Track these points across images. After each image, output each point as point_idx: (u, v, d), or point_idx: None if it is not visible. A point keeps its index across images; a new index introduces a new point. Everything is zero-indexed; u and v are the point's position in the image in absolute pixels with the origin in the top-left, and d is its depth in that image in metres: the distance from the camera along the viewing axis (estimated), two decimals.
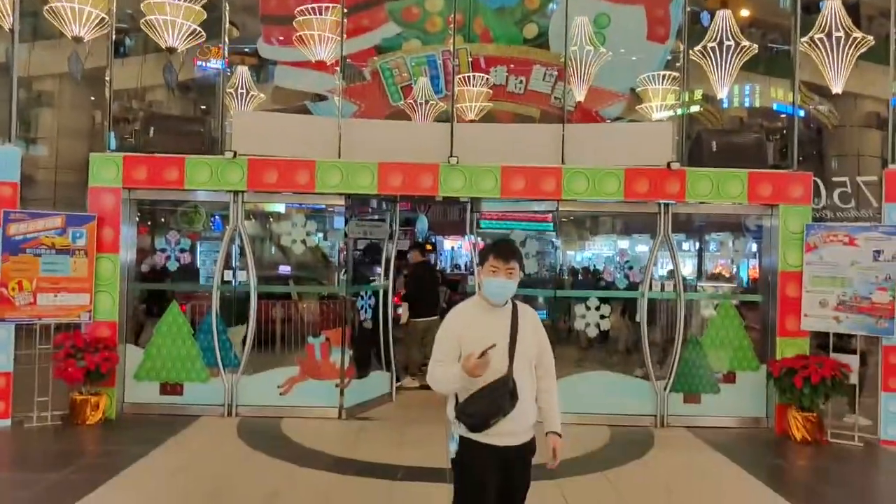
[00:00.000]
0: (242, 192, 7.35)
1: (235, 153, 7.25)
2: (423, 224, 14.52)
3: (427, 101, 9.58)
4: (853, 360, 6.98)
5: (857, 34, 14.67)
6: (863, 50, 14.62)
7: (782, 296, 7.28)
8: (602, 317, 7.51)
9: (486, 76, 9.83)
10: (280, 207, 8.50)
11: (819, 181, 7.47)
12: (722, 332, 7.51)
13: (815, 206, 7.44)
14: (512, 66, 9.99)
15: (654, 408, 7.38)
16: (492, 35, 10.03)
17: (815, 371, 6.67)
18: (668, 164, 7.29)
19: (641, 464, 6.07)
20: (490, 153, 7.50)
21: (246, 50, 11.94)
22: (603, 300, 7.56)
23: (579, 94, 8.99)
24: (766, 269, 7.58)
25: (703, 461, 6.28)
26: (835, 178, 7.50)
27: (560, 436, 3.29)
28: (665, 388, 7.35)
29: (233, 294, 7.45)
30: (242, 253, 7.36)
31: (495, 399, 3.06)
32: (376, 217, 8.26)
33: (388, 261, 8.26)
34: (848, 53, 15.11)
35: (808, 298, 7.15)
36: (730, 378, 7.47)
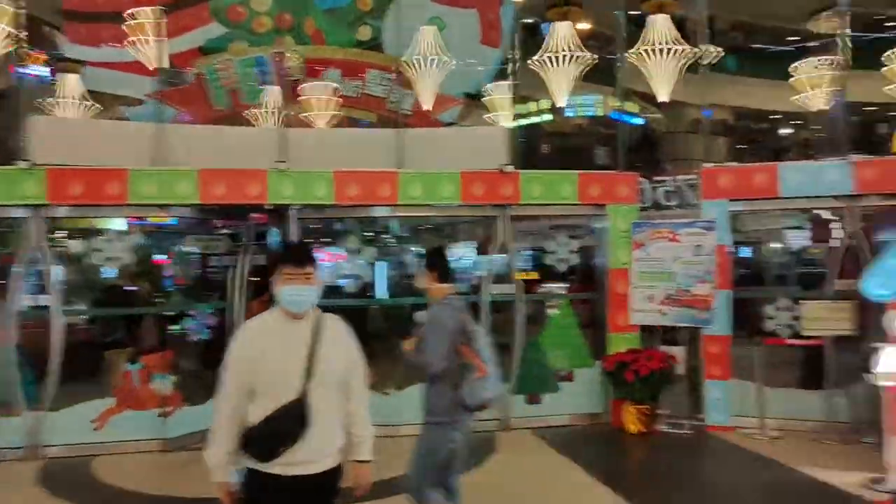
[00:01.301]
0: (43, 205, 6.57)
1: (33, 163, 6.48)
2: (274, 238, 13.87)
3: (275, 109, 9.16)
4: (680, 352, 7.31)
5: (682, 46, 15.61)
6: (689, 62, 15.56)
7: (613, 292, 7.50)
8: None
9: (336, 85, 9.56)
10: (119, 223, 7.77)
11: (645, 181, 7.79)
12: (559, 331, 7.64)
13: (643, 204, 7.76)
14: (346, 69, 9.76)
15: (499, 411, 7.35)
16: (324, 37, 9.75)
17: (645, 364, 6.91)
18: (501, 168, 7.32)
19: (482, 471, 5.98)
20: (324, 159, 7.21)
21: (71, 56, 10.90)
22: None
23: (427, 103, 8.98)
24: (599, 267, 7.80)
25: (541, 463, 6.29)
26: (658, 178, 7.83)
27: (368, 462, 3.03)
28: (507, 391, 7.35)
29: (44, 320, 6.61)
30: (47, 275, 6.58)
31: (283, 424, 2.76)
32: (224, 231, 7.71)
33: (241, 277, 7.67)
34: (673, 65, 16.07)
35: (636, 294, 7.42)
36: (568, 376, 7.59)
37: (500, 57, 9.83)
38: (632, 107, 24.59)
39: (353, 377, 3.02)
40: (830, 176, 6.85)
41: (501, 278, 7.59)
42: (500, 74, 9.53)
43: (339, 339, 3.02)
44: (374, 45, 9.73)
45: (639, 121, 24.31)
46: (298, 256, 2.94)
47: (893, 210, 6.83)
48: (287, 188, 6.95)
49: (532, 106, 20.66)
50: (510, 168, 7.34)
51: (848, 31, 7.61)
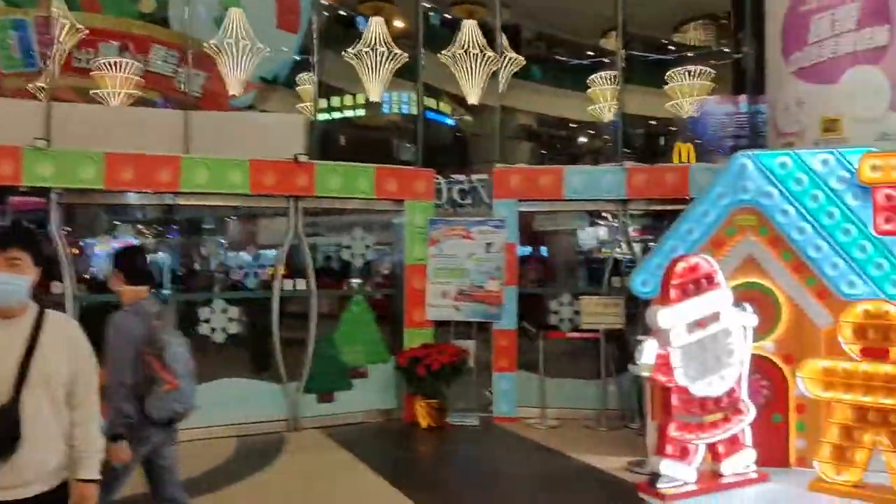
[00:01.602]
0: None
1: None
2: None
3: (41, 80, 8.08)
4: (472, 346, 7.48)
5: (489, 52, 16.08)
6: (515, 69, 16.03)
7: (409, 288, 7.51)
8: (230, 320, 6.97)
9: (136, 61, 8.68)
10: None
11: (441, 179, 7.88)
12: (355, 327, 7.51)
13: (439, 202, 7.85)
14: (127, 42, 8.92)
15: (287, 411, 7.07)
16: (101, 4, 8.84)
17: (436, 359, 6.98)
18: (296, 157, 7.03)
19: (264, 475, 5.69)
20: (98, 138, 6.49)
21: None
22: (232, 302, 7.03)
23: (235, 89, 8.46)
24: (397, 263, 7.77)
25: (327, 462, 6.12)
26: (454, 176, 7.95)
27: (93, 482, 2.66)
28: (298, 390, 7.10)
29: None
30: None
31: None
32: None
33: None
34: (482, 69, 16.55)
35: (431, 289, 7.48)
36: (363, 372, 7.49)
37: (298, 43, 9.51)
38: (445, 107, 25.23)
39: (79, 385, 2.63)
40: (608, 180, 7.34)
41: (296, 273, 7.32)
42: (304, 63, 9.25)
43: (65, 340, 2.61)
44: (159, 19, 8.98)
45: (450, 121, 25.02)
46: (1, 239, 2.51)
47: (661, 213, 7.48)
48: (46, 169, 6.16)
49: (347, 99, 20.46)
50: (305, 158, 7.08)
51: (622, 51, 8.23)
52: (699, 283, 5.27)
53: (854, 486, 5.03)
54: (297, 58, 9.46)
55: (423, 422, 7.08)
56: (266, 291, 7.10)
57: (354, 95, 19.56)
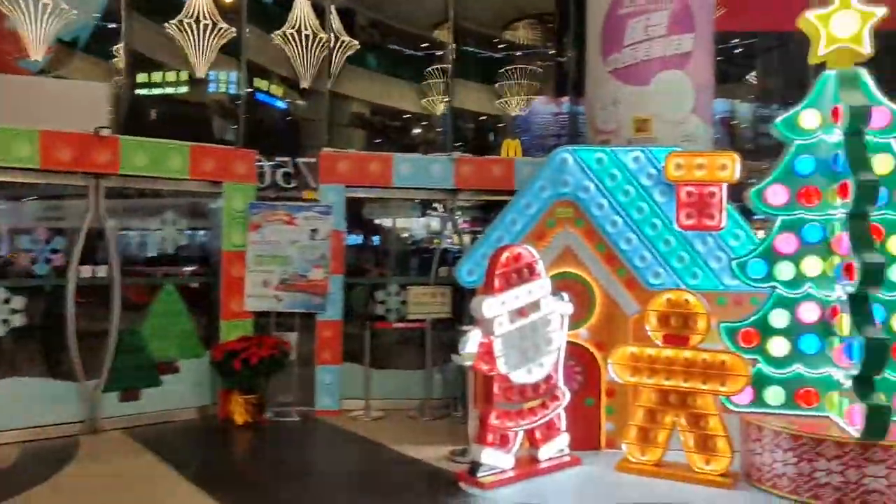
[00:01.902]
0: None
1: None
2: None
3: None
4: (294, 338, 7.15)
5: (345, 38, 15.58)
6: (349, 53, 15.52)
7: (227, 277, 7.03)
8: (14, 311, 6.12)
9: None
10: None
11: (263, 160, 7.45)
12: (165, 319, 6.90)
13: (261, 185, 7.43)
14: None
15: (83, 412, 6.35)
16: None
17: (255, 352, 6.58)
18: (96, 130, 6.30)
19: (44, 487, 5.02)
20: None
21: None
22: (16, 290, 6.17)
23: (36, 53, 7.45)
24: (214, 249, 7.25)
25: (126, 466, 5.54)
26: (279, 159, 7.55)
27: None
28: (97, 388, 6.40)
29: None
30: None
31: None
32: None
33: None
34: (315, 52, 16.04)
35: (251, 278, 7.05)
36: (173, 367, 6.91)
37: (102, 4, 8.61)
38: (277, 90, 24.31)
39: None
40: (437, 169, 7.30)
41: (97, 259, 6.58)
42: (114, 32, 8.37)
43: None
44: None
45: (282, 105, 24.17)
46: None
47: (489, 204, 7.58)
48: None
49: (169, 75, 19.14)
50: (107, 132, 6.37)
51: (453, 45, 8.25)
52: (521, 273, 5.36)
53: (655, 465, 5.36)
54: (101, 21, 8.56)
55: (240, 419, 6.66)
56: (60, 279, 6.31)
57: (178, 71, 18.33)
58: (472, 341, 5.01)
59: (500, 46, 23.97)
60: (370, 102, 27.27)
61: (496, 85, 23.62)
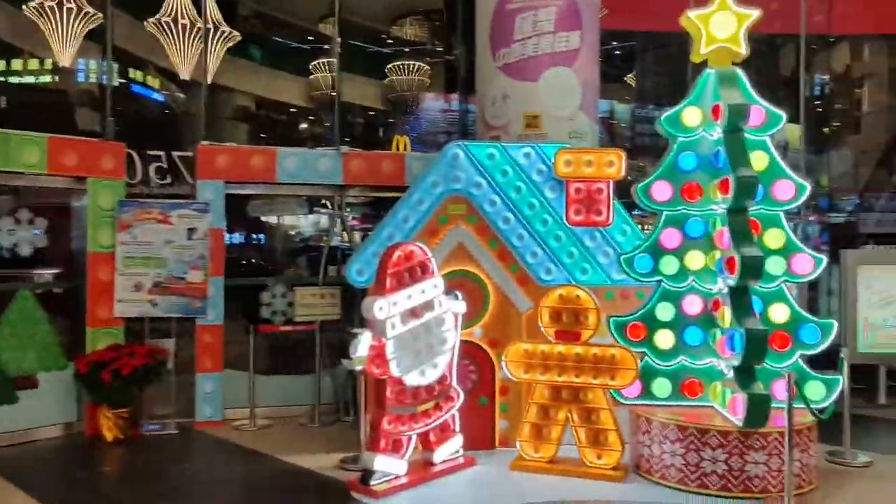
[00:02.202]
0: None
1: None
2: None
3: None
4: (171, 345, 6.67)
5: (225, 28, 14.82)
6: (230, 44, 14.82)
7: (94, 281, 6.44)
8: None
9: None
10: None
11: (134, 154, 6.88)
12: (20, 328, 6.22)
13: (131, 181, 6.86)
14: None
15: None
16: None
17: (127, 362, 6.06)
18: None
19: None
20: None
21: None
22: None
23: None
24: (78, 251, 6.62)
25: None
26: (151, 152, 7.00)
27: None
28: None
29: None
30: None
31: None
32: None
33: None
34: (194, 42, 15.22)
35: (121, 282, 6.50)
36: (32, 382, 6.25)
37: None
38: (154, 81, 23.00)
39: None
40: (324, 164, 7.01)
41: None
42: None
43: None
44: None
45: (159, 97, 22.89)
46: None
47: (379, 201, 7.37)
48: None
49: (32, 63, 17.82)
50: None
51: (338, 38, 8.01)
52: (414, 272, 5.19)
53: (549, 462, 5.34)
54: None
55: (110, 434, 6.11)
56: None
57: (42, 60, 17.00)
58: (362, 344, 4.79)
59: (388, 42, 23.76)
60: (255, 96, 26.37)
61: (385, 80, 23.41)
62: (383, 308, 4.89)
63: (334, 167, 7.00)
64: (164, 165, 6.94)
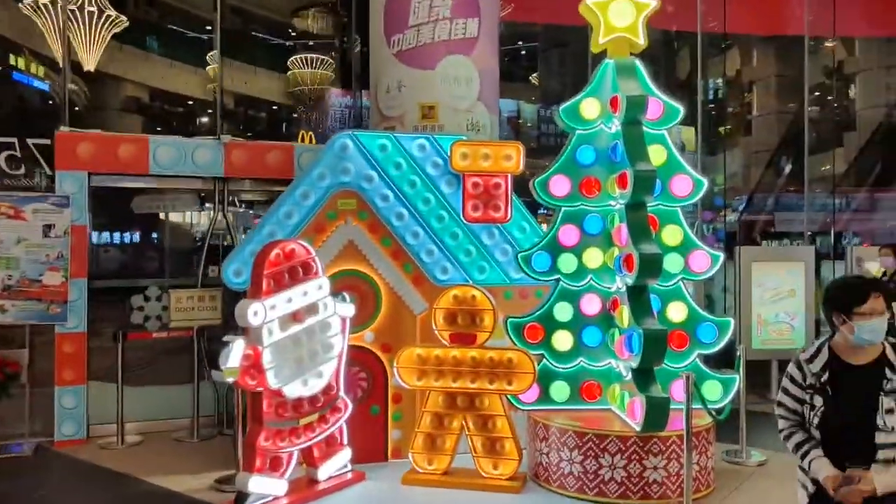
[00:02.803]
0: None
1: None
2: None
3: None
4: (24, 356, 5.93)
5: (111, 12, 13.86)
6: (116, 30, 13.90)
7: None
8: None
9: None
10: None
11: None
12: None
13: None
14: None
15: None
16: None
17: None
18: None
19: None
20: None
21: None
22: None
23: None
24: None
25: None
26: (3, 139, 6.21)
27: None
28: None
29: None
30: None
31: None
32: None
33: None
34: (99, 30, 14.17)
35: None
36: None
37: None
38: (35, 67, 21.36)
39: None
40: (203, 155, 6.42)
41: None
42: None
43: None
44: None
45: (42, 85, 21.26)
46: None
47: (267, 195, 6.84)
48: None
49: None
50: None
51: (220, 26, 7.47)
52: (295, 272, 4.73)
53: (443, 474, 5.01)
54: None
55: None
56: None
57: None
58: (234, 353, 4.30)
59: (291, 34, 22.96)
60: (149, 86, 24.95)
61: (287, 73, 22.61)
62: (259, 313, 4.42)
63: (214, 158, 6.43)
64: (17, 154, 6.17)
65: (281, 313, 4.57)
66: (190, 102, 24.93)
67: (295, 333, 4.64)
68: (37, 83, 21.27)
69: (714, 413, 4.85)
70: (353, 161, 5.45)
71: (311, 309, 4.79)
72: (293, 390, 4.62)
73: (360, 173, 5.46)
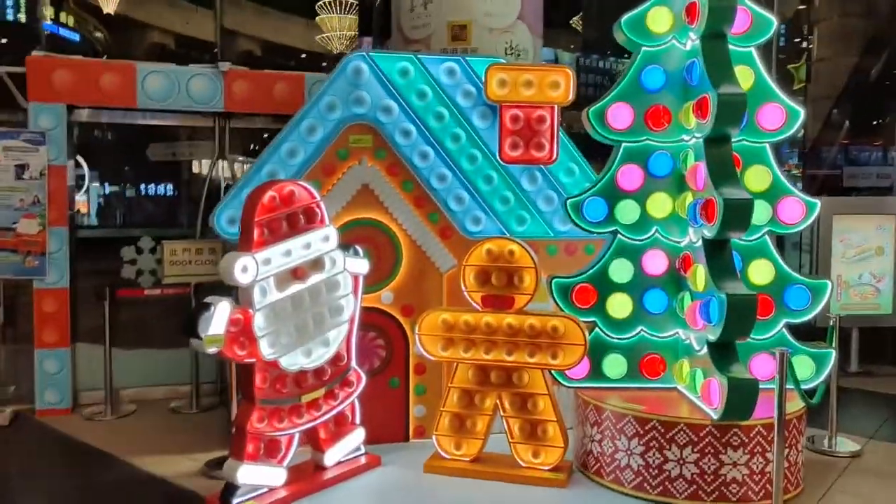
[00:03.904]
0: None
1: None
2: None
3: None
4: None
5: None
6: None
7: None
8: None
9: None
10: None
11: None
12: None
13: None
14: None
15: None
16: None
17: None
18: None
19: None
20: None
21: None
22: None
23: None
24: None
25: None
26: None
27: None
28: None
29: None
30: None
31: None
32: None
33: None
34: None
35: None
36: None
37: None
38: (69, 19, 20.70)
39: None
40: (199, 86, 5.54)
41: None
42: None
43: None
44: None
45: (75, 36, 20.57)
46: None
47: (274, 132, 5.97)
48: None
49: None
50: None
51: None
52: (295, 220, 3.90)
53: (473, 461, 4.21)
54: None
55: None
56: None
57: None
58: (218, 318, 3.51)
59: None
60: (174, 32, 24.16)
61: (316, 19, 21.55)
62: (248, 268, 3.61)
63: (213, 89, 5.56)
64: None
65: (277, 269, 3.76)
66: (216, 50, 24.11)
67: (296, 294, 3.83)
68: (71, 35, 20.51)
69: (806, 396, 3.94)
70: (369, 88, 4.55)
71: (316, 265, 3.98)
72: (293, 361, 3.84)
73: (377, 103, 4.57)
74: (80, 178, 6.09)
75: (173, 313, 5.60)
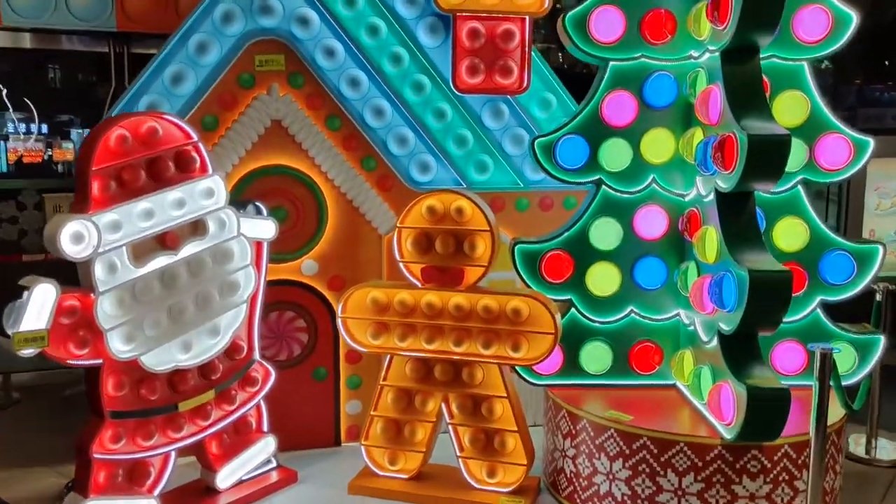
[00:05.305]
0: None
1: None
2: None
3: None
4: None
5: None
6: None
7: None
8: None
9: None
10: None
11: None
12: None
13: None
14: None
15: None
16: None
17: None
18: None
19: None
20: None
21: None
22: None
23: None
24: None
25: None
26: None
27: None
28: None
29: None
30: None
31: None
32: None
33: None
34: None
35: None
36: None
37: None
38: None
39: None
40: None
41: None
42: None
43: None
44: None
45: None
46: None
47: None
48: None
49: None
50: None
51: None
52: (160, 167, 2.86)
53: (411, 479, 3.28)
54: None
55: None
56: None
57: None
58: (34, 308, 2.51)
59: None
60: None
61: None
62: (84, 236, 2.59)
63: (100, 4, 4.43)
64: None
65: (134, 236, 2.74)
66: None
67: (166, 269, 2.83)
68: None
69: (847, 400, 2.97)
70: None
71: (197, 229, 2.96)
72: (164, 359, 2.86)
73: (290, 13, 3.48)
74: None
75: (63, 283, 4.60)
